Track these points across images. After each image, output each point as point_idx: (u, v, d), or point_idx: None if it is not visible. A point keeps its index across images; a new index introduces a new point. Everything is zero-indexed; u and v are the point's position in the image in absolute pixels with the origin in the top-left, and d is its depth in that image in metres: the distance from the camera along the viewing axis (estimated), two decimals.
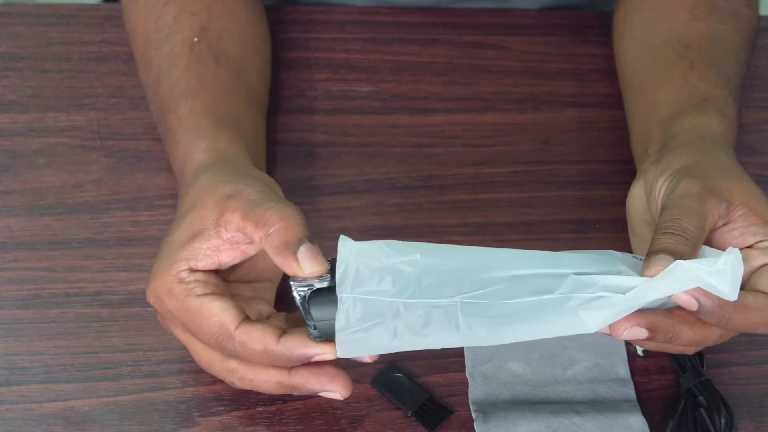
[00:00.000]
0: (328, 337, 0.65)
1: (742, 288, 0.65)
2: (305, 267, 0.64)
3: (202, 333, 0.66)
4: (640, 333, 0.64)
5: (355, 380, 0.73)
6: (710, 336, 0.66)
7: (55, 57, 0.91)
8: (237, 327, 0.65)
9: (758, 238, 0.68)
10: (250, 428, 0.71)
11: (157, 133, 0.86)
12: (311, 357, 0.65)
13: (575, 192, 0.85)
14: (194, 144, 0.75)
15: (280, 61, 0.92)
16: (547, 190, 0.85)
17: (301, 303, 0.64)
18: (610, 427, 0.70)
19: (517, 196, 0.84)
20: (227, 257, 0.67)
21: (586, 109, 0.91)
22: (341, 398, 0.67)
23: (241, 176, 0.69)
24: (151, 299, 0.69)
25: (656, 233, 0.66)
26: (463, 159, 0.87)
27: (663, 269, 0.63)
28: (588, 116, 0.90)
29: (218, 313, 0.65)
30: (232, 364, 0.68)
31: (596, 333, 0.75)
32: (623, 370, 0.74)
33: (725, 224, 0.68)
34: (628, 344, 0.75)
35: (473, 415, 0.71)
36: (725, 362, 0.76)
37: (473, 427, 0.71)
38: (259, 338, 0.65)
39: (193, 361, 0.74)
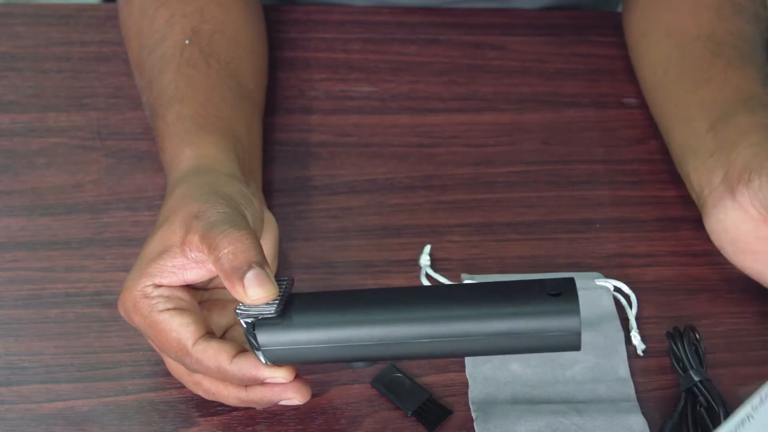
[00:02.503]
0: (277, 362, 0.65)
1: None
2: (251, 293, 0.64)
3: (164, 347, 0.67)
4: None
5: (354, 380, 0.73)
6: None
7: (55, 57, 0.91)
8: (194, 344, 0.66)
9: None
10: (250, 428, 0.71)
11: None
12: (262, 380, 0.66)
13: (575, 192, 0.85)
14: (179, 151, 0.75)
15: (280, 61, 0.92)
16: (547, 190, 0.85)
17: (247, 331, 0.65)
18: (611, 427, 0.70)
19: (517, 196, 0.84)
20: (192, 275, 0.68)
21: (586, 109, 0.91)
22: (300, 403, 0.68)
23: (210, 193, 0.69)
24: (121, 312, 0.69)
25: None
26: (463, 159, 0.87)
27: None
28: (588, 116, 0.90)
29: (176, 329, 0.66)
30: (197, 377, 0.69)
31: (597, 333, 0.75)
32: (623, 370, 0.74)
33: None
34: (628, 344, 0.75)
35: (473, 415, 0.71)
36: (725, 362, 0.76)
37: (473, 427, 0.71)
38: (213, 357, 0.66)
39: None
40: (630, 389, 0.73)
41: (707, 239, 0.79)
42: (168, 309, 0.67)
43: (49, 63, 0.91)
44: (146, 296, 0.67)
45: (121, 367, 0.74)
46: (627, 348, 0.75)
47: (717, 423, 0.70)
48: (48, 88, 0.89)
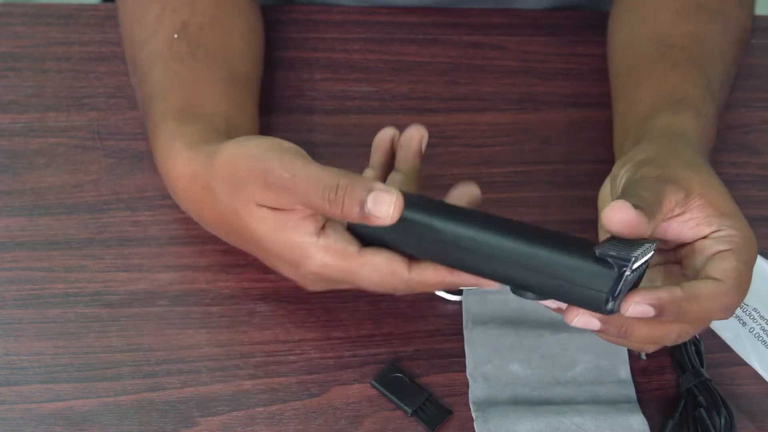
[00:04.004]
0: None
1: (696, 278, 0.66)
2: (383, 211, 0.64)
3: (377, 283, 0.67)
4: (593, 323, 0.64)
5: (355, 380, 0.73)
6: (668, 334, 0.66)
7: (55, 57, 0.91)
8: (409, 269, 0.67)
9: (713, 229, 0.68)
10: (250, 428, 0.71)
11: None
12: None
13: (575, 192, 0.85)
14: (169, 148, 0.74)
15: (280, 61, 0.92)
16: (547, 190, 0.85)
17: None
18: (611, 428, 0.70)
19: (517, 196, 0.84)
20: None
21: (586, 109, 0.91)
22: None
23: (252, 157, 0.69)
24: (307, 282, 0.70)
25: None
26: (463, 159, 0.87)
27: (618, 213, 0.63)
28: (588, 116, 0.90)
29: (384, 261, 0.67)
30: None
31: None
32: (624, 371, 0.74)
33: (682, 213, 0.68)
34: None
35: (473, 415, 0.71)
36: (725, 362, 0.76)
37: (473, 427, 0.71)
38: (433, 273, 0.66)
39: (193, 361, 0.74)
40: (631, 391, 0.73)
41: None
42: (360, 247, 0.67)
43: (49, 63, 0.91)
44: (331, 246, 0.67)
45: (121, 367, 0.74)
46: (628, 349, 0.75)
47: (717, 423, 0.70)
48: (48, 88, 0.89)
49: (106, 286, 0.78)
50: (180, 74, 0.79)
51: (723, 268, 0.66)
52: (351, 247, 0.67)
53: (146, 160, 0.85)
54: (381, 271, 0.67)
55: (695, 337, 0.75)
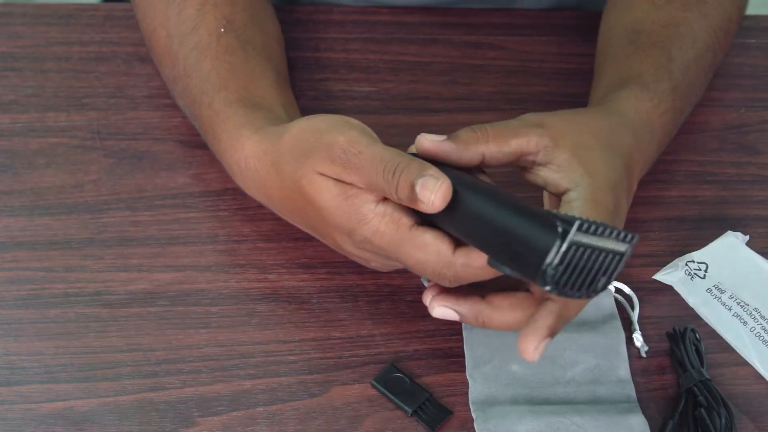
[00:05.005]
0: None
1: None
2: (428, 197, 0.65)
3: (420, 264, 0.67)
4: (449, 314, 0.69)
5: (355, 380, 0.73)
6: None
7: (55, 57, 0.91)
8: (454, 251, 0.66)
9: (568, 187, 0.69)
10: (250, 428, 0.71)
11: (157, 133, 0.86)
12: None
13: None
14: (237, 134, 0.75)
15: None
16: None
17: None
18: (611, 427, 0.70)
19: (517, 196, 0.84)
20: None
21: None
22: None
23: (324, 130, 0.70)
24: (354, 249, 0.70)
25: None
26: None
27: (436, 137, 0.68)
28: None
29: (432, 241, 0.66)
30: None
31: (598, 334, 0.75)
32: (624, 371, 0.74)
33: (548, 163, 0.70)
34: (631, 345, 0.75)
35: (473, 415, 0.71)
36: (725, 362, 0.76)
37: (473, 427, 0.71)
38: (477, 258, 0.66)
39: (193, 361, 0.74)
40: (630, 390, 0.73)
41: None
42: (416, 222, 0.67)
43: (49, 63, 0.91)
44: (388, 214, 0.67)
45: (121, 367, 0.74)
46: (629, 349, 0.75)
47: (717, 423, 0.70)
48: (48, 88, 0.89)
49: (106, 286, 0.78)
50: (234, 66, 0.79)
51: None
52: (406, 219, 0.67)
53: (146, 160, 0.85)
54: (427, 249, 0.66)
55: (695, 336, 0.75)
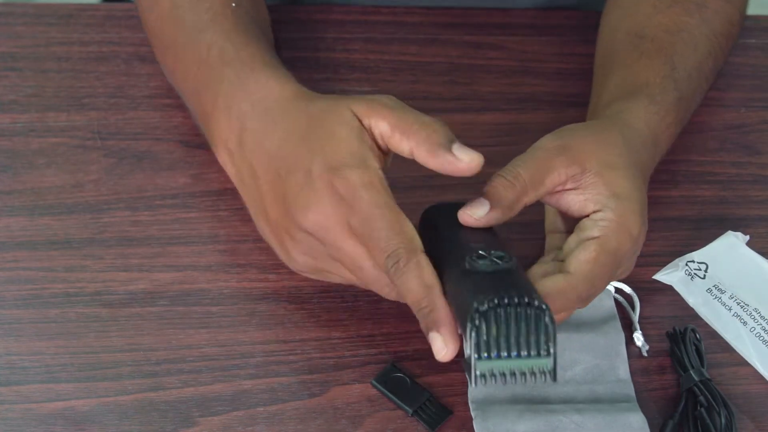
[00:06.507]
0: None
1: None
2: (463, 157, 0.67)
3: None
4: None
5: (355, 380, 0.73)
6: None
7: (55, 57, 0.91)
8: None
9: (596, 208, 0.69)
10: (250, 428, 0.71)
11: (157, 133, 0.86)
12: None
13: None
14: (257, 69, 0.75)
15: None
16: None
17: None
18: (610, 426, 0.70)
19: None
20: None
21: (586, 109, 0.90)
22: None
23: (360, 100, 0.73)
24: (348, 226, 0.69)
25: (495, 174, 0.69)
26: None
27: (478, 210, 0.68)
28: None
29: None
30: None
31: (598, 334, 0.75)
32: (623, 371, 0.74)
33: (575, 188, 0.69)
34: (632, 345, 0.75)
35: (472, 414, 0.71)
36: (725, 362, 0.76)
37: (473, 427, 0.71)
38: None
39: (193, 361, 0.74)
40: (630, 390, 0.73)
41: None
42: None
43: (49, 63, 0.91)
44: (384, 181, 0.70)
45: (121, 367, 0.74)
46: (628, 349, 0.75)
47: (717, 423, 0.70)
48: (48, 88, 0.89)
49: (106, 286, 0.78)
50: (249, 35, 0.79)
51: (579, 259, 0.68)
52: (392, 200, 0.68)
53: (146, 160, 0.85)
54: (390, 228, 0.67)
55: (696, 336, 0.75)
